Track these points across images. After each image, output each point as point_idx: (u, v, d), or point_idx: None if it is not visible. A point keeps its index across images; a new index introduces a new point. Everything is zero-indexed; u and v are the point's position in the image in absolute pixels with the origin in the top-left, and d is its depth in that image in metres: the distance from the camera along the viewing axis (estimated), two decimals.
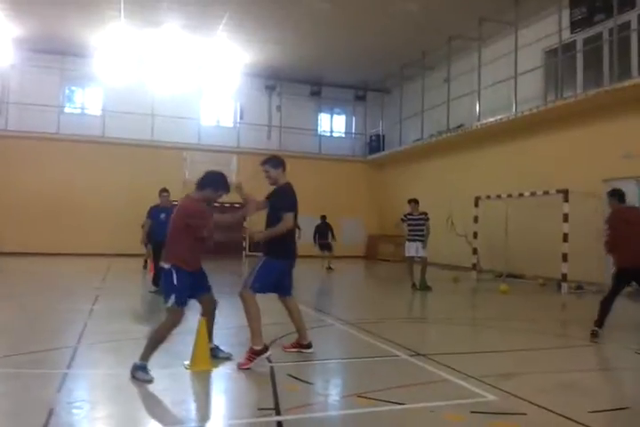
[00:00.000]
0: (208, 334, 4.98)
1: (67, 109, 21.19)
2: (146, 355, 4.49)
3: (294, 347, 5.47)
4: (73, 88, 21.56)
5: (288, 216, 5.08)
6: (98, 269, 14.82)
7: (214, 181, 4.84)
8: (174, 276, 4.59)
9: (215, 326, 5.22)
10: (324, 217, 17.15)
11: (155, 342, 4.55)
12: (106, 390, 4.30)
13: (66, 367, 4.76)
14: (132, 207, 16.38)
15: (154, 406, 4.02)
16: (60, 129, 19.76)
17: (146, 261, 13.64)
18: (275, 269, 5.16)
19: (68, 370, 4.70)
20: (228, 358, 5.07)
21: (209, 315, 5.03)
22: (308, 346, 5.45)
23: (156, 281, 9.38)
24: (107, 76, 18.42)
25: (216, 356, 5.00)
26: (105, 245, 19.01)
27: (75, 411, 3.74)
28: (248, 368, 4.75)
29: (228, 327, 6.47)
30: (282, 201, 5.16)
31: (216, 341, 5.23)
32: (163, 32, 17.47)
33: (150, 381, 4.35)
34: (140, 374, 4.39)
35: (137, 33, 17.57)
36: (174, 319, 4.60)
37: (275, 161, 5.30)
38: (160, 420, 3.74)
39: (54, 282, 12.06)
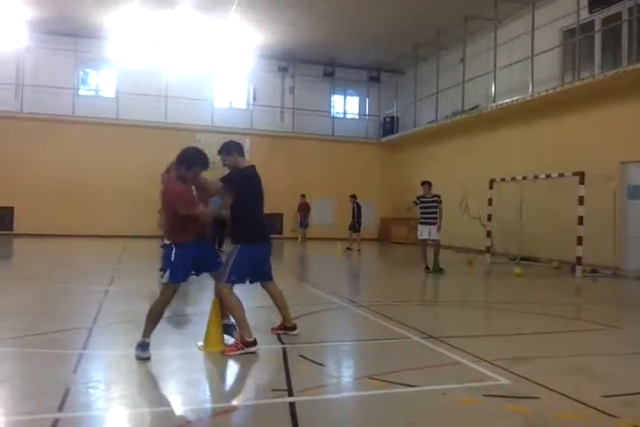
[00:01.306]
0: (223, 311, 4.98)
1: (81, 92, 21.22)
2: (146, 332, 4.54)
3: (280, 329, 5.42)
4: (87, 70, 21.56)
5: (225, 200, 4.87)
6: (113, 250, 14.97)
7: (187, 159, 4.68)
8: (173, 252, 4.62)
9: None
10: (355, 196, 17.10)
11: (152, 318, 4.58)
12: (121, 370, 4.34)
13: (81, 348, 4.83)
14: (146, 189, 16.42)
15: (168, 386, 4.09)
16: (75, 111, 19.82)
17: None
18: (249, 257, 4.99)
19: (83, 351, 4.76)
20: None
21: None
22: (293, 328, 5.39)
23: None
24: (120, 57, 18.41)
25: (230, 334, 4.96)
26: (119, 227, 19.19)
27: (90, 391, 3.79)
28: (232, 356, 4.65)
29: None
30: (228, 185, 4.90)
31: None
32: (176, 13, 17.34)
33: (147, 358, 4.40)
34: (138, 351, 4.45)
35: (150, 14, 17.48)
36: (167, 295, 4.62)
37: (227, 148, 5.07)
38: (174, 400, 3.81)
39: (70, 263, 12.21)
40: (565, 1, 14.33)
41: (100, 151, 19.86)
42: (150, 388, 4.01)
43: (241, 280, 4.97)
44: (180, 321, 6.08)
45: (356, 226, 16.71)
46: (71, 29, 19.24)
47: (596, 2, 13.59)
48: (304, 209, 19.43)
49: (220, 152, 5.10)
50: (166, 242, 4.76)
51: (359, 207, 16.87)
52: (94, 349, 4.92)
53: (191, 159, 4.69)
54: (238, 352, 4.66)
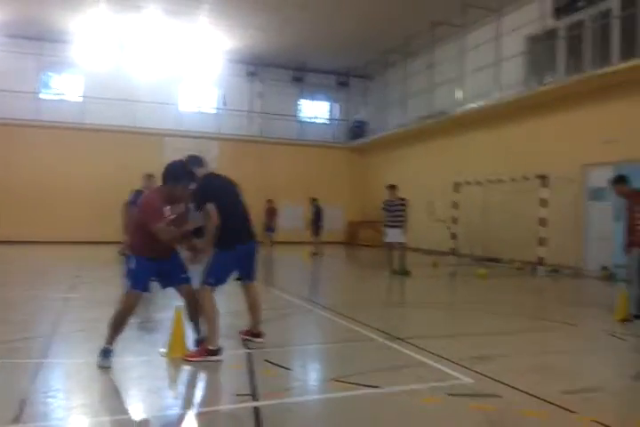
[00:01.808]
0: (195, 325, 4.91)
1: (45, 96, 20.79)
2: (109, 339, 4.47)
3: (246, 334, 5.34)
4: (51, 74, 21.15)
5: (209, 207, 4.81)
6: (76, 257, 14.70)
7: (171, 175, 4.62)
8: (133, 260, 4.62)
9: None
10: (315, 199, 17.07)
11: (114, 326, 4.50)
12: (81, 378, 4.26)
13: (41, 357, 4.72)
14: (112, 194, 16.19)
15: (130, 394, 4.02)
16: (39, 116, 19.41)
17: None
18: (228, 260, 4.97)
19: (43, 359, 4.65)
20: None
21: (190, 307, 4.88)
22: (259, 335, 5.29)
23: None
24: (86, 61, 18.21)
25: None
26: (84, 233, 18.79)
27: (49, 400, 3.70)
28: (192, 361, 4.59)
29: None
30: (197, 197, 4.89)
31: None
32: (143, 17, 17.18)
33: (107, 367, 4.34)
34: (99, 359, 4.39)
35: (117, 18, 17.26)
36: (128, 303, 4.56)
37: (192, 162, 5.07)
38: (136, 408, 3.75)
39: (31, 270, 11.90)
40: (531, 8, 14.61)
41: (66, 156, 19.49)
42: (112, 396, 3.94)
43: (220, 282, 4.93)
44: (142, 328, 5.98)
45: (316, 229, 16.69)
46: (36, 33, 18.86)
47: (561, 9, 13.89)
48: (271, 214, 19.34)
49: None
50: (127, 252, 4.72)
51: (319, 210, 16.87)
52: (54, 357, 4.82)
53: (177, 173, 4.65)
54: (200, 359, 4.61)
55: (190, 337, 4.93)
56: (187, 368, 4.53)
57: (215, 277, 4.87)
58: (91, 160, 19.64)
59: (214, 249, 4.96)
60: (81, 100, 20.40)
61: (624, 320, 6.61)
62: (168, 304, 5.84)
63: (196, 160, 5.11)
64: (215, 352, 4.66)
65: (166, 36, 18.82)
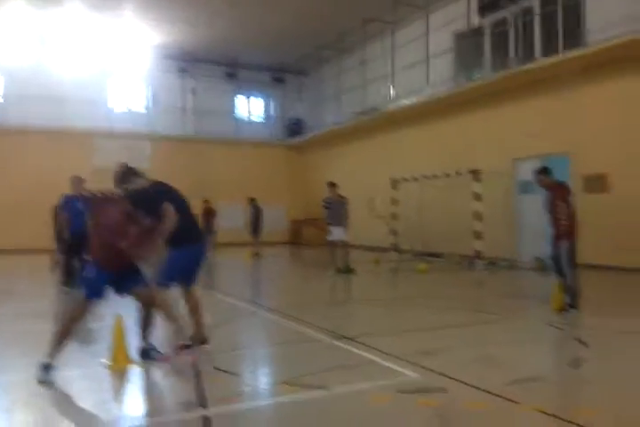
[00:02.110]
0: (144, 333, 4.79)
1: None
2: (51, 352, 4.28)
3: (187, 347, 5.08)
4: None
5: (165, 207, 4.76)
6: (6, 266, 13.99)
7: (133, 199, 4.66)
8: (89, 268, 4.57)
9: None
10: (253, 199, 16.91)
11: (60, 337, 4.34)
12: (21, 395, 4.06)
13: None
14: (40, 199, 15.46)
15: (72, 408, 3.85)
16: None
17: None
18: (178, 260, 4.98)
19: None
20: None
21: (145, 311, 4.79)
22: (204, 341, 5.14)
23: (68, 280, 8.80)
24: (6, 58, 17.32)
25: (149, 357, 4.72)
26: (10, 241, 17.88)
27: None
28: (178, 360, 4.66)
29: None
30: (152, 201, 4.83)
31: (154, 341, 4.91)
32: (65, 11, 16.46)
33: (50, 381, 4.15)
34: (40, 373, 4.19)
35: (37, 12, 16.47)
36: (78, 310, 4.46)
37: (116, 180, 4.98)
38: (79, 423, 3.59)
39: None
40: (458, 5, 15.00)
41: None
42: (53, 412, 3.77)
43: (170, 283, 4.96)
44: (81, 338, 5.74)
45: (255, 229, 16.57)
46: None
47: (485, 7, 14.32)
48: (208, 215, 19.05)
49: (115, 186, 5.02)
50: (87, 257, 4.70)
51: (258, 210, 16.75)
52: None
53: (140, 198, 4.71)
54: (184, 355, 4.67)
55: (133, 345, 4.79)
56: (133, 379, 4.41)
57: (170, 277, 4.93)
58: (14, 163, 18.67)
59: (167, 249, 4.95)
60: (1, 100, 19.39)
61: (560, 310, 6.84)
62: (107, 312, 5.64)
63: (131, 171, 5.01)
64: (189, 346, 4.74)
65: (91, 30, 18.12)
